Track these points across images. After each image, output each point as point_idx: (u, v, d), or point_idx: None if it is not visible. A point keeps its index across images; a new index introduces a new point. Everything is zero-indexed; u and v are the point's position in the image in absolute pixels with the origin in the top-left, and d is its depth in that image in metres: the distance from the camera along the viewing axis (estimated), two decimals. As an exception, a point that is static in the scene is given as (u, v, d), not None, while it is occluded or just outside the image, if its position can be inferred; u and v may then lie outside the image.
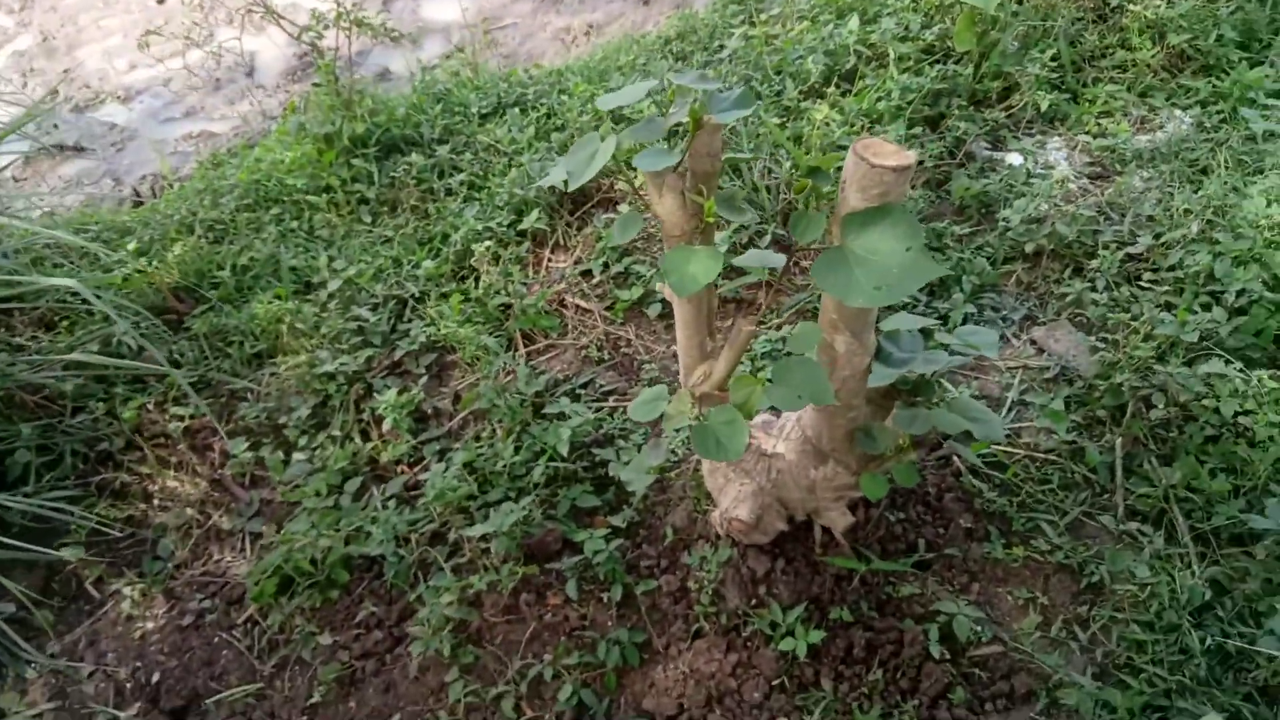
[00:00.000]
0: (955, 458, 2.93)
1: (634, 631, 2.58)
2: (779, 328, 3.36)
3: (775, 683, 2.43)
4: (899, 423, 2.29)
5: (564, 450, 2.86)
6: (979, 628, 2.46)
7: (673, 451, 2.99)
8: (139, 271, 3.88)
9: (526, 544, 2.76)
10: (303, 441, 3.15)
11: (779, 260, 2.19)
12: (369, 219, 4.10)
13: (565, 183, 1.87)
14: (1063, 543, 2.61)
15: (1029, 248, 3.38)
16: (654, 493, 2.94)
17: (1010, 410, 2.99)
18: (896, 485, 2.75)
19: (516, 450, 2.97)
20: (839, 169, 1.76)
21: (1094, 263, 3.30)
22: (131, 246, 3.95)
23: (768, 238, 3.60)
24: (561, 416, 3.05)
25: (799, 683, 2.42)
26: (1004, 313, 3.30)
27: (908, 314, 2.43)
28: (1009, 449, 2.88)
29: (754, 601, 2.59)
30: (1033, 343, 3.18)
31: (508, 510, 2.69)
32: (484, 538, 2.70)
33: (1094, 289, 3.24)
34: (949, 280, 3.35)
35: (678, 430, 2.78)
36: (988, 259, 3.42)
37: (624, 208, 3.84)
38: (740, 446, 1.94)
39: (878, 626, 2.50)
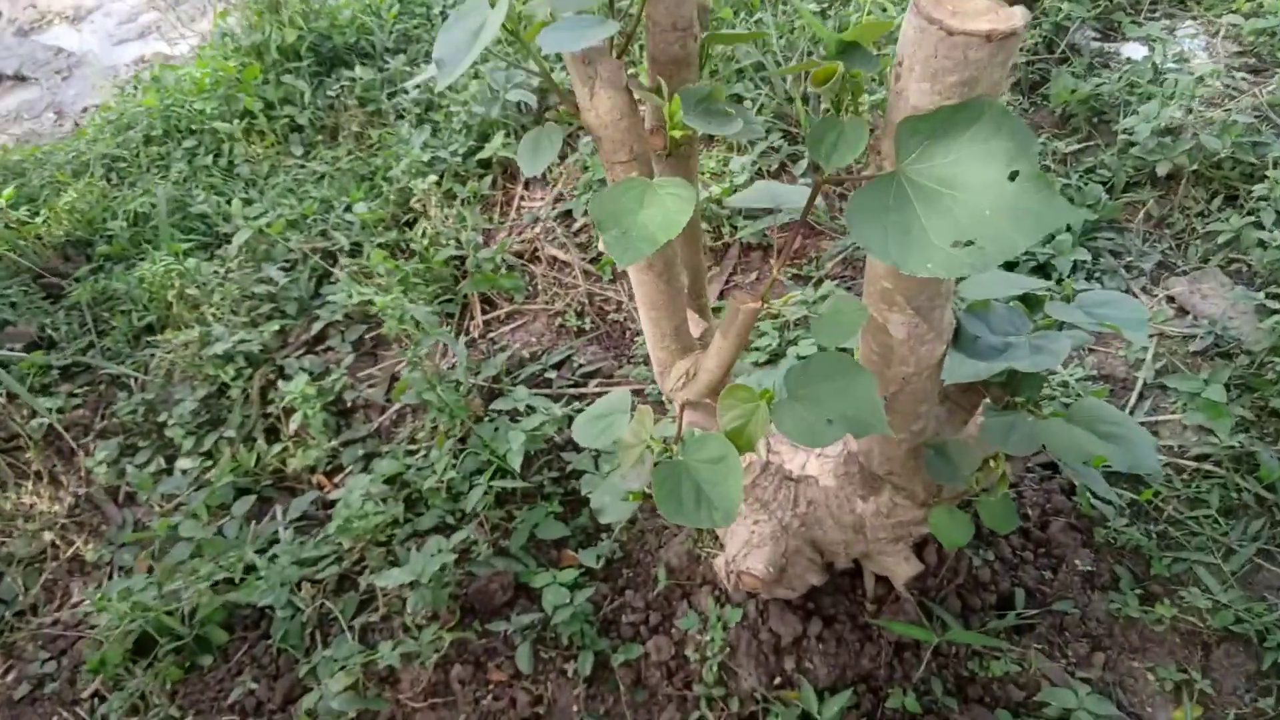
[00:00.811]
0: (1065, 468, 2.18)
1: (608, 723, 1.91)
2: (819, 283, 2.62)
3: (807, 810, 1.75)
4: (988, 437, 1.57)
5: (515, 463, 2.17)
6: (1109, 732, 1.74)
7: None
8: (18, 224, 3.25)
9: (464, 593, 2.09)
10: (189, 444, 2.50)
11: (798, 197, 1.45)
12: (300, 150, 3.41)
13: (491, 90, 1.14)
14: (1230, 598, 1.88)
15: (1161, 169, 2.57)
16: (643, 516, 2.25)
17: (1142, 398, 2.23)
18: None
19: (456, 460, 2.28)
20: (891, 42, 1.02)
21: (1256, 188, 2.49)
22: (6, 194, 3.31)
23: (804, 162, 2.84)
24: (516, 415, 2.35)
25: (841, 811, 1.74)
26: (1128, 259, 2.51)
27: (1001, 272, 1.70)
28: (1144, 456, 2.13)
29: (778, 681, 1.90)
30: (1170, 300, 2.40)
31: (434, 549, 2.02)
32: (403, 587, 2.03)
33: (1259, 224, 2.43)
34: (1050, 215, 2.56)
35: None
36: (1103, 185, 2.62)
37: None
38: (732, 502, 1.26)
39: (957, 723, 1.80)
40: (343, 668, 1.92)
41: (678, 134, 1.25)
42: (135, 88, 4.33)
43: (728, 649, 1.94)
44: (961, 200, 0.98)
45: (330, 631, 2.10)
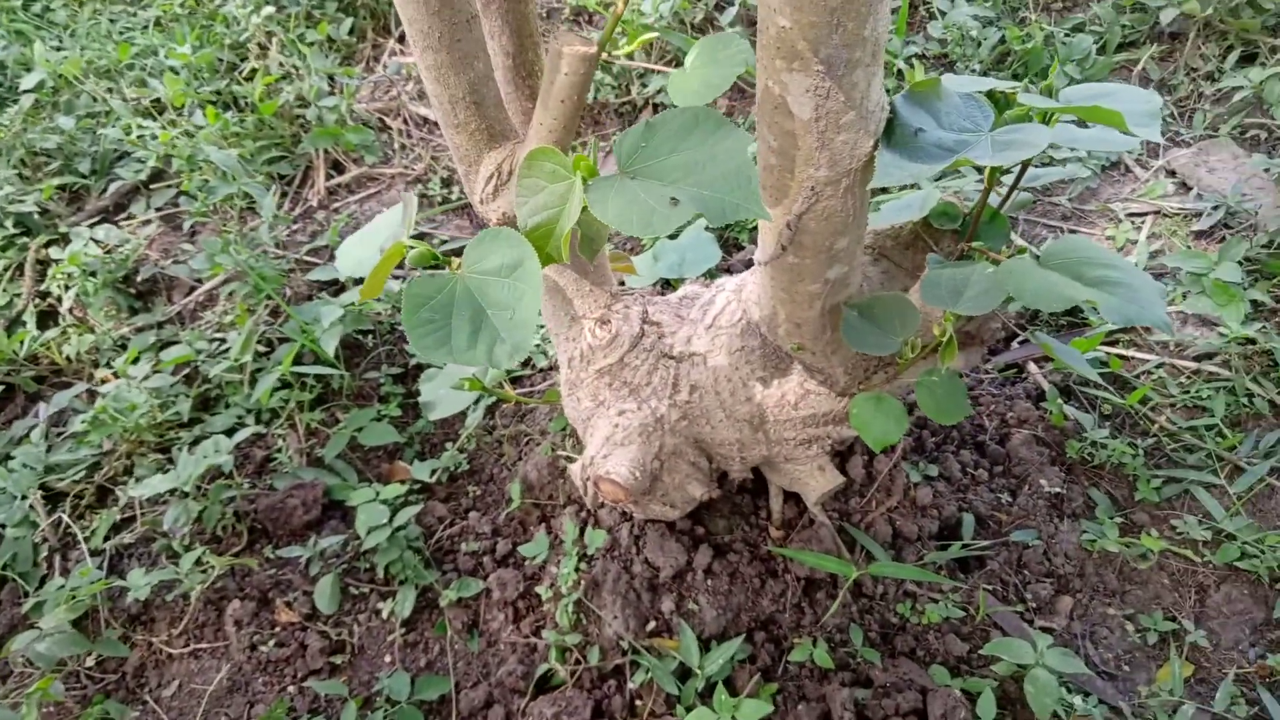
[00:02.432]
0: (1032, 367, 1.80)
1: (426, 679, 1.51)
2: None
3: (674, 795, 1.37)
4: (932, 293, 1.18)
5: (329, 345, 1.74)
6: (1076, 696, 1.37)
7: (536, 347, 1.88)
8: None
9: (253, 510, 1.66)
10: (-66, 327, 2.04)
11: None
12: (131, -5, 2.91)
13: None
14: (1236, 527, 1.52)
15: (1166, 17, 2.18)
16: (502, 421, 1.84)
17: (1132, 285, 1.85)
18: (923, 421, 1.66)
19: (269, 346, 1.85)
20: None
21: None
22: None
23: (732, 11, 2.41)
24: (339, 288, 1.92)
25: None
26: (1120, 126, 2.12)
27: (955, 75, 1.31)
28: (1133, 354, 1.76)
29: (651, 626, 1.51)
30: (1170, 174, 2.02)
31: (208, 450, 1.59)
32: (160, 500, 1.61)
33: (1282, 82, 2.05)
34: (1028, 73, 2.17)
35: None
36: (1095, 40, 2.22)
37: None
38: (524, 330, 0.87)
39: (881, 683, 1.42)
40: (71, 599, 1.49)
41: None
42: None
43: (589, 585, 1.54)
44: None
45: (74, 557, 1.67)
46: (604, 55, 0.93)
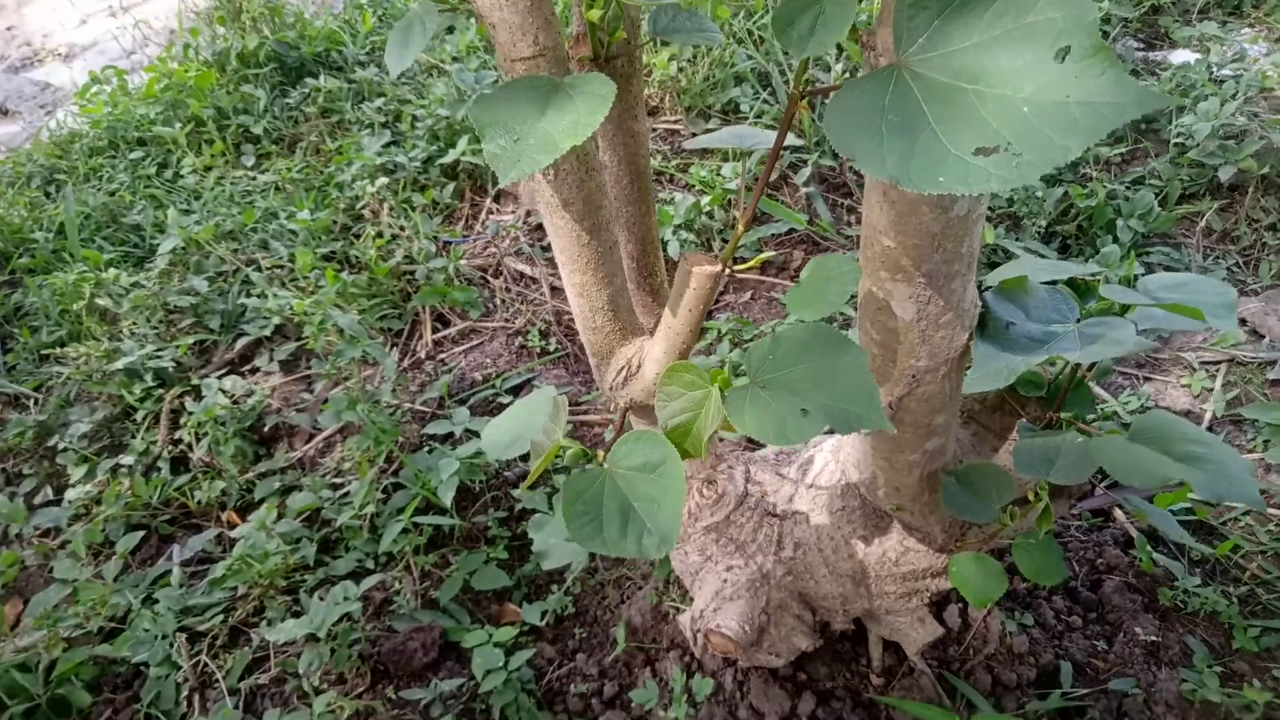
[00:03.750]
0: (1119, 513, 1.84)
1: (542, 823, 1.55)
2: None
3: None
4: (1024, 462, 1.25)
5: (446, 496, 1.85)
6: None
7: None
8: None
9: (376, 652, 1.75)
10: (79, 472, 2.20)
11: (763, 139, 1.17)
12: (251, 161, 3.17)
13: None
14: (1338, 680, 1.51)
15: (1224, 174, 2.28)
16: (603, 564, 1.92)
17: (1211, 433, 1.89)
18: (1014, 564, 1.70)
19: (385, 494, 1.97)
20: None
21: (1339, 193, 2.19)
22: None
23: (806, 171, 2.57)
24: (454, 441, 2.04)
25: None
26: (1187, 275, 2.20)
27: (1037, 258, 1.41)
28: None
29: (758, 773, 1.54)
30: (1241, 323, 2.08)
31: (338, 597, 1.69)
32: (301, 643, 1.70)
33: (1345, 233, 2.12)
34: (1093, 227, 2.27)
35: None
36: (1156, 195, 2.33)
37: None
38: (670, 524, 0.96)
39: (987, 835, 1.43)
40: (214, 742, 1.58)
41: (596, 17, 0.99)
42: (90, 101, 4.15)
43: (696, 731, 1.59)
44: (990, 96, 0.69)
45: (212, 696, 1.77)
46: (726, 271, 1.04)
